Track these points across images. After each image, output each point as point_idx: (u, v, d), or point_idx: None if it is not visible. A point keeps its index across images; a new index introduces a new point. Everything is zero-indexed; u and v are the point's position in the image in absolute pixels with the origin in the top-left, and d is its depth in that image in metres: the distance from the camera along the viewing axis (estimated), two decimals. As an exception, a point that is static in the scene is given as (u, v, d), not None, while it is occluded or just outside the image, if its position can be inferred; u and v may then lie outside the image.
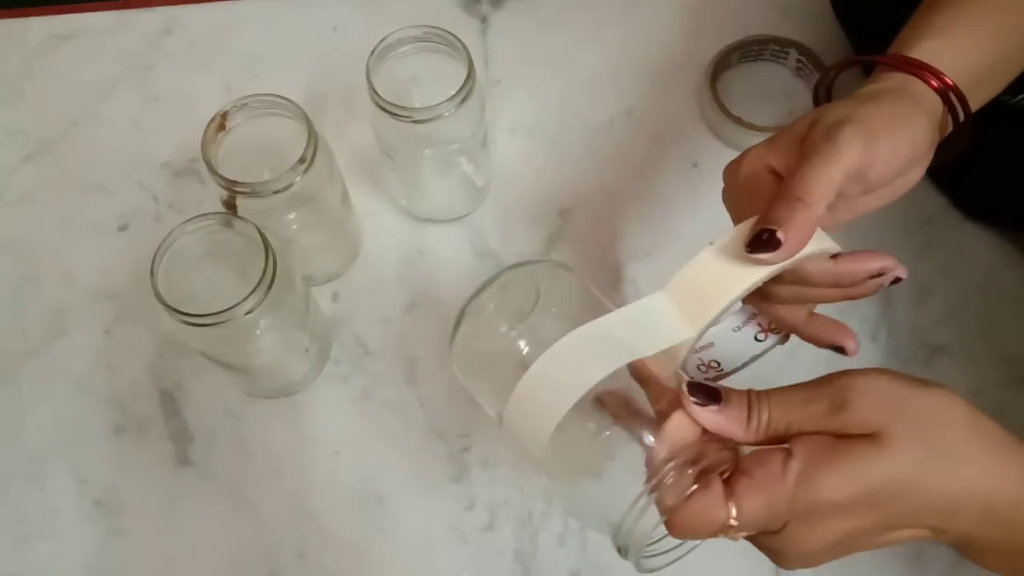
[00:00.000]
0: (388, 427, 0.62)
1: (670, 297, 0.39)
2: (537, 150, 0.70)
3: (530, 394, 0.38)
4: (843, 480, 0.34)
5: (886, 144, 0.40)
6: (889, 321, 0.63)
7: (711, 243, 0.40)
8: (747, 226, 0.39)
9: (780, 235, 0.37)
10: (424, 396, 0.63)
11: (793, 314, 0.46)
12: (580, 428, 0.39)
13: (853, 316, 0.63)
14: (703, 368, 0.49)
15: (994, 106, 0.47)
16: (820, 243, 0.40)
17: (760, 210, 0.39)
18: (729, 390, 0.37)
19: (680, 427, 0.36)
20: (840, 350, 0.45)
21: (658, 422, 0.37)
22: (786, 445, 0.35)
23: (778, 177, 0.42)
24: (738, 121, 0.68)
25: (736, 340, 0.49)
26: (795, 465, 0.34)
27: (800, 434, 0.35)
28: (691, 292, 0.39)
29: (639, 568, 0.37)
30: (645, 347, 0.38)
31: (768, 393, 0.36)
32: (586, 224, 0.67)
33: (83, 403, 0.63)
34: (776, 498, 0.34)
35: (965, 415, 0.35)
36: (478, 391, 0.44)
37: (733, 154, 0.69)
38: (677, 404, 0.37)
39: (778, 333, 0.49)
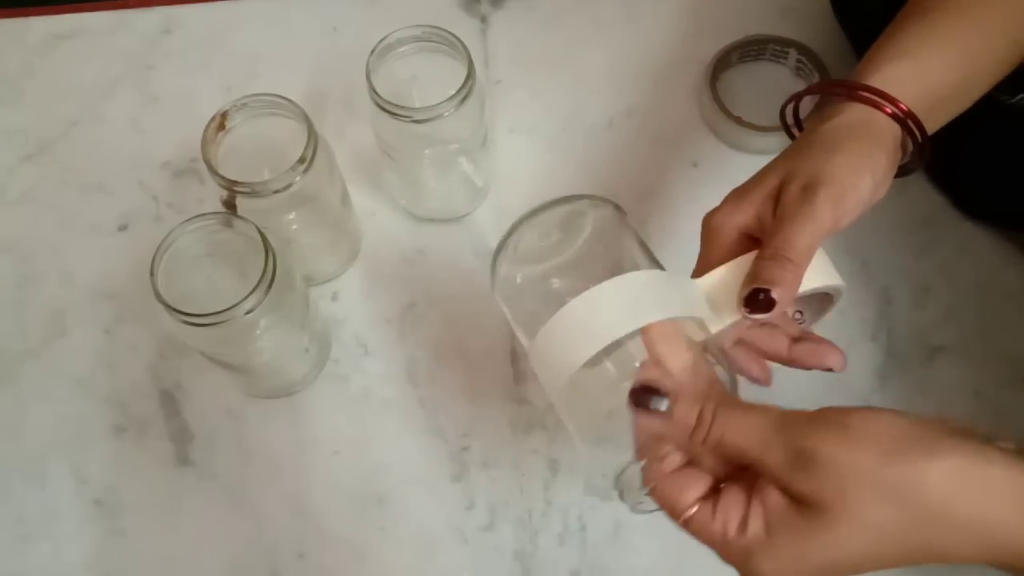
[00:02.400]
0: (388, 427, 0.62)
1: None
2: (537, 150, 0.70)
3: (575, 321, 0.39)
4: (786, 561, 0.34)
5: (852, 198, 0.42)
6: (889, 321, 0.63)
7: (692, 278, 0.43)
8: (732, 271, 0.42)
9: (775, 295, 0.40)
10: (424, 396, 0.63)
11: (772, 346, 0.46)
12: (601, 372, 0.40)
13: (853, 316, 0.63)
14: None
15: (994, 106, 0.48)
16: (823, 278, 0.43)
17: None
18: (682, 396, 0.37)
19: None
20: (829, 370, 0.45)
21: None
22: (751, 472, 0.36)
23: (747, 238, 0.44)
24: (738, 121, 0.68)
25: None
26: (741, 539, 0.35)
27: (756, 473, 0.35)
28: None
29: (634, 511, 0.39)
30: (687, 309, 0.40)
31: (728, 413, 0.36)
32: (586, 224, 0.67)
33: (83, 403, 0.63)
34: (726, 549, 0.36)
35: (941, 486, 0.32)
36: (514, 316, 0.44)
37: (733, 154, 0.69)
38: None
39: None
